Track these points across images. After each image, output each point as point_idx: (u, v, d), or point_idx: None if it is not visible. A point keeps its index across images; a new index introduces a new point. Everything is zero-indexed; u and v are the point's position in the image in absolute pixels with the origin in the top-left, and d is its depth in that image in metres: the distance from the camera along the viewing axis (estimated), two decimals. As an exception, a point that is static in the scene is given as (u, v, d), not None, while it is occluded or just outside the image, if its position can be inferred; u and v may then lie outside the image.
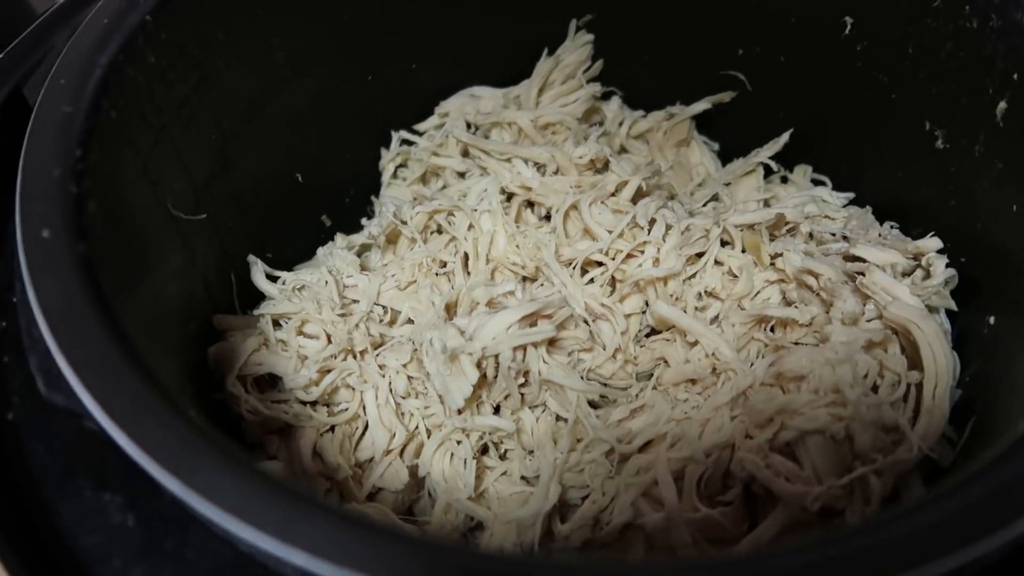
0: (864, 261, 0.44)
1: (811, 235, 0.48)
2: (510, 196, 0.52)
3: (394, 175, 0.59)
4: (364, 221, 0.57)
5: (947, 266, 0.42)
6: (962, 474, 0.25)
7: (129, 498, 0.29)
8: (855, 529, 0.22)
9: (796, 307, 0.44)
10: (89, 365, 0.25)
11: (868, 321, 0.42)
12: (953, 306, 0.42)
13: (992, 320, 0.40)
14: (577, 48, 0.58)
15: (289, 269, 0.51)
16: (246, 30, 0.45)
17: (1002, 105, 0.39)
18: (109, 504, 0.29)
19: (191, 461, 0.23)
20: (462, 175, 0.57)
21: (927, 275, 0.43)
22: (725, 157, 0.60)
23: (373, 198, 0.59)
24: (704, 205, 0.54)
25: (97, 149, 0.34)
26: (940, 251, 0.43)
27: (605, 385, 0.46)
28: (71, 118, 0.33)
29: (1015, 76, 0.38)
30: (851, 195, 0.53)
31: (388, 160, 0.58)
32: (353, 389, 0.44)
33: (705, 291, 0.47)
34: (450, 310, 0.47)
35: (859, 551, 0.21)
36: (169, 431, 0.24)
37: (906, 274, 0.43)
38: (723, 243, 0.49)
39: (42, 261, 0.28)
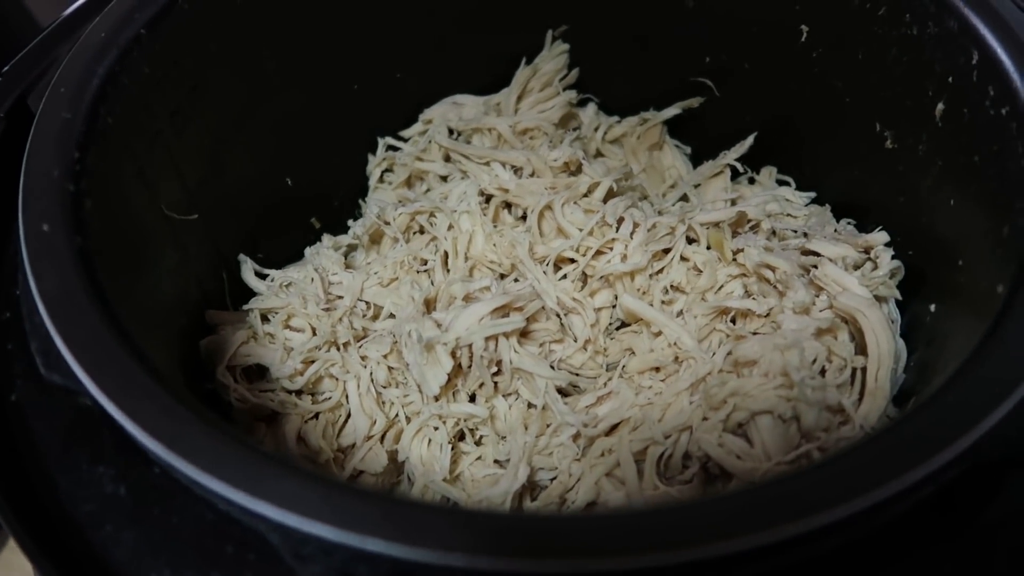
0: (819, 255, 0.47)
1: (773, 232, 0.51)
2: (489, 198, 0.55)
3: (380, 179, 0.62)
4: (351, 223, 0.60)
5: (894, 258, 0.45)
6: (868, 435, 0.27)
7: (121, 470, 0.31)
8: (765, 481, 0.25)
9: (754, 299, 0.47)
10: (82, 343, 0.28)
11: (820, 311, 0.45)
12: (898, 295, 0.44)
13: (933, 308, 0.42)
14: (554, 57, 0.60)
15: (280, 268, 0.54)
16: (237, 41, 0.48)
17: (940, 106, 0.42)
18: (103, 476, 0.31)
19: (173, 427, 0.26)
20: (445, 179, 0.59)
21: (876, 267, 0.45)
22: (697, 160, 0.62)
23: (360, 201, 0.62)
24: (674, 205, 0.57)
25: (94, 152, 0.36)
26: (888, 244, 0.46)
27: (576, 375, 0.48)
28: (70, 123, 0.36)
29: (950, 79, 0.41)
30: (813, 194, 0.55)
31: (374, 165, 0.61)
32: (336, 379, 0.47)
33: (671, 285, 0.50)
34: (429, 305, 0.50)
35: (768, 498, 0.24)
36: (154, 401, 0.27)
37: (857, 267, 0.46)
38: (689, 240, 0.51)
39: (42, 252, 0.31)
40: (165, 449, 0.25)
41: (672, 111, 0.61)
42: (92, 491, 0.32)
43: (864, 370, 0.42)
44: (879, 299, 0.45)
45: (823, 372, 0.42)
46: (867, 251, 0.46)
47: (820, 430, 0.39)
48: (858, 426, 0.39)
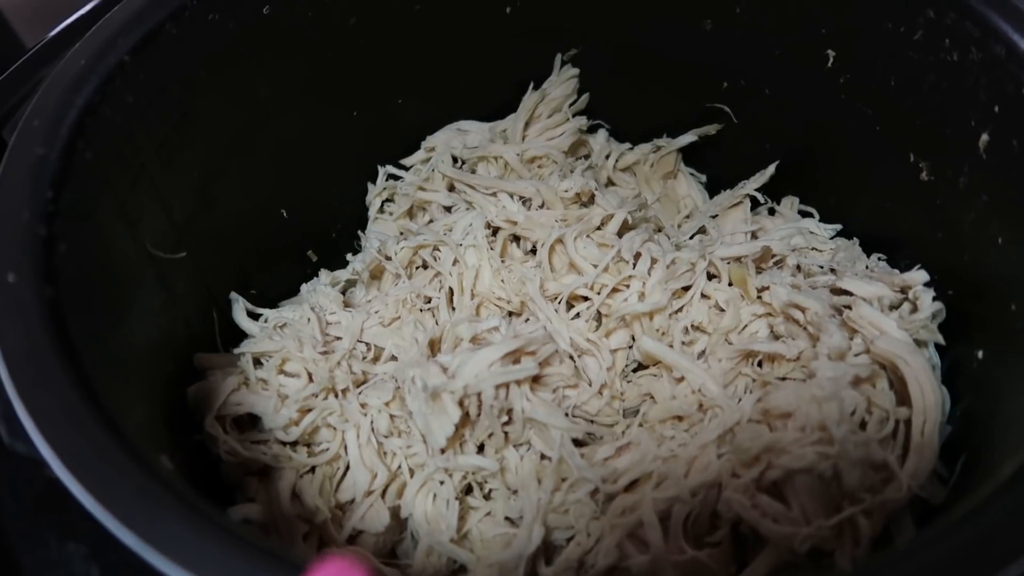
0: (851, 294, 0.44)
1: (799, 267, 0.48)
2: (496, 230, 0.52)
3: (381, 209, 0.59)
4: (350, 256, 0.57)
5: (934, 299, 0.42)
6: (947, 519, 0.24)
7: (93, 548, 0.28)
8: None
9: (783, 341, 0.44)
10: (48, 413, 0.25)
11: (855, 356, 0.41)
12: (941, 340, 0.41)
13: (981, 354, 0.39)
14: (563, 82, 0.58)
15: (274, 306, 0.51)
16: (228, 68, 0.45)
17: (984, 137, 0.39)
18: (73, 555, 0.28)
19: (149, 512, 0.23)
20: (449, 209, 0.56)
21: (914, 308, 0.42)
22: (713, 189, 0.60)
23: (360, 233, 0.59)
24: (691, 238, 0.54)
25: (70, 191, 0.33)
26: (927, 284, 0.43)
27: (591, 422, 0.45)
28: (44, 160, 0.33)
29: (996, 108, 0.38)
30: (838, 227, 0.52)
31: (374, 195, 0.58)
32: (334, 428, 0.44)
33: (692, 325, 0.47)
34: (434, 346, 0.46)
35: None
36: (128, 480, 0.23)
37: (893, 307, 0.43)
38: (710, 276, 0.48)
39: (6, 306, 0.28)
40: (138, 540, 0.22)
41: (687, 138, 0.58)
42: (60, 572, 0.28)
43: (908, 422, 0.38)
44: (918, 343, 0.41)
45: (863, 425, 0.39)
46: (903, 291, 0.43)
47: (864, 490, 0.35)
48: (905, 486, 0.35)
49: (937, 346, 0.43)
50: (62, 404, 0.25)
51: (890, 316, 0.42)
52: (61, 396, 0.25)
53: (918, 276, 0.43)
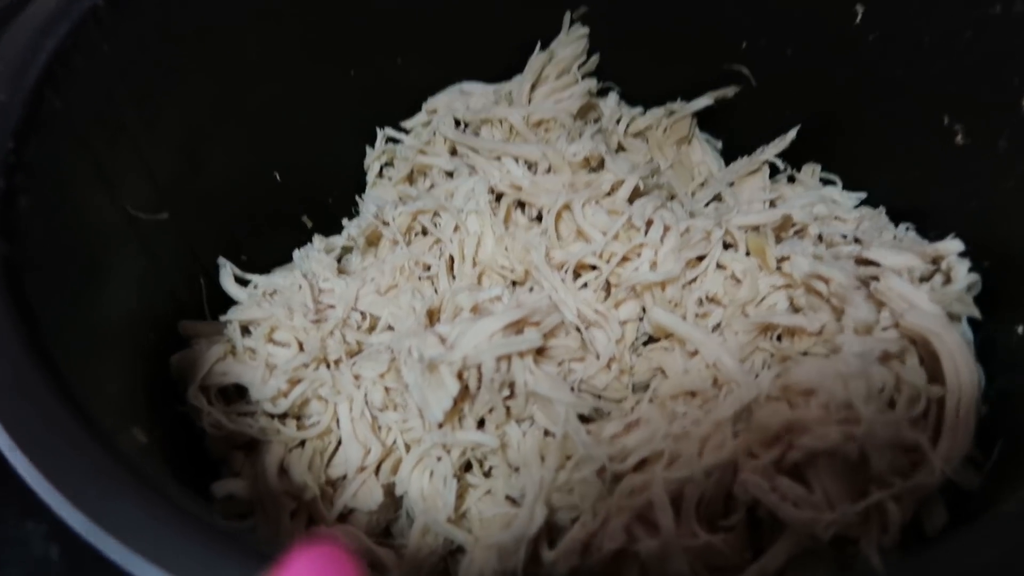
0: (878, 265, 0.41)
1: (820, 237, 0.45)
2: (499, 196, 0.49)
3: (380, 174, 0.56)
4: (346, 222, 0.54)
5: (969, 271, 0.39)
6: (993, 516, 0.21)
7: (53, 527, 0.26)
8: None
9: (804, 314, 0.41)
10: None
11: (883, 330, 0.39)
12: (977, 313, 0.38)
13: (1021, 330, 0.36)
14: (572, 42, 0.55)
15: (267, 272, 0.48)
16: (215, 21, 0.43)
17: (1029, 95, 0.36)
18: (32, 534, 0.26)
19: (102, 491, 0.20)
20: (450, 174, 0.54)
21: (947, 280, 0.39)
22: (728, 155, 0.57)
23: (358, 198, 0.56)
24: (706, 206, 0.51)
25: (36, 142, 0.31)
26: (961, 254, 0.40)
27: (598, 397, 0.43)
28: (5, 108, 0.30)
29: (1043, 64, 0.35)
30: (863, 195, 0.49)
31: (373, 158, 0.56)
32: (326, 401, 0.41)
33: (706, 296, 0.44)
34: (433, 316, 0.44)
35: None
36: (84, 457, 0.21)
37: (924, 279, 0.40)
38: (726, 246, 0.46)
39: (-44, 262, 0.25)
40: (87, 521, 0.20)
41: (703, 102, 0.55)
42: (19, 553, 0.26)
43: (940, 402, 0.36)
44: (951, 317, 0.39)
45: (891, 404, 0.36)
46: (935, 262, 0.40)
47: (893, 474, 0.33)
48: (938, 469, 0.33)
49: (971, 321, 0.40)
50: (11, 370, 0.23)
51: (921, 288, 0.39)
52: (11, 362, 0.23)
53: (952, 245, 0.40)
